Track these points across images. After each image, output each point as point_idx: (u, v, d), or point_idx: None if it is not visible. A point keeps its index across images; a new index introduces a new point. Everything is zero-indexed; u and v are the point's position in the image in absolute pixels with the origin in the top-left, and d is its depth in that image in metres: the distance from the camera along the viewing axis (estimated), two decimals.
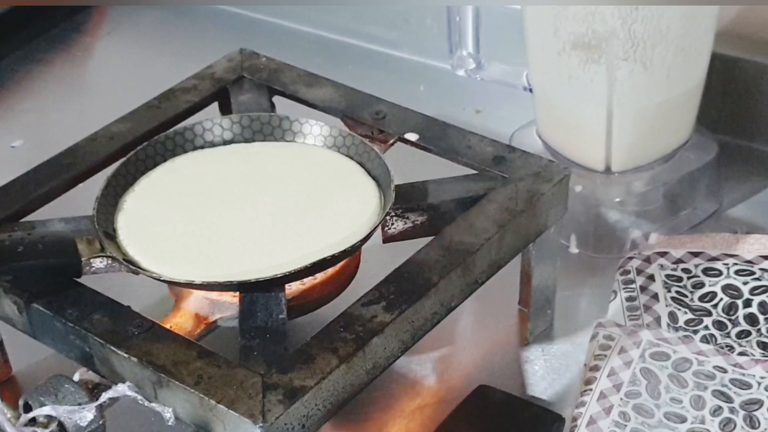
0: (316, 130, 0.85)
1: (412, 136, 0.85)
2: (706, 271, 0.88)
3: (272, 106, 0.92)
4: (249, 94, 0.91)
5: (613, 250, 0.93)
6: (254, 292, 0.73)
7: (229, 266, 0.74)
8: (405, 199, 0.80)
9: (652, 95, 0.89)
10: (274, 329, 0.71)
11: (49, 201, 0.84)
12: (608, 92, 0.88)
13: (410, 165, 0.87)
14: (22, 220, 0.81)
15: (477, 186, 0.81)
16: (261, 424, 0.64)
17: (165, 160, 0.84)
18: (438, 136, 0.85)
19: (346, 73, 1.01)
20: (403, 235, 0.81)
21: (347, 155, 0.84)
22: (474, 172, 0.83)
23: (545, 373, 0.84)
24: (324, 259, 0.73)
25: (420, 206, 0.80)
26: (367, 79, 1.00)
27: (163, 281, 0.74)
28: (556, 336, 0.87)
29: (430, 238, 0.77)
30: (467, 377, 0.83)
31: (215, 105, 0.93)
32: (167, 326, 0.75)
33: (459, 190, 0.81)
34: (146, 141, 0.86)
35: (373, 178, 0.81)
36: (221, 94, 0.92)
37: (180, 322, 0.76)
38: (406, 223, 0.80)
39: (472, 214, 0.77)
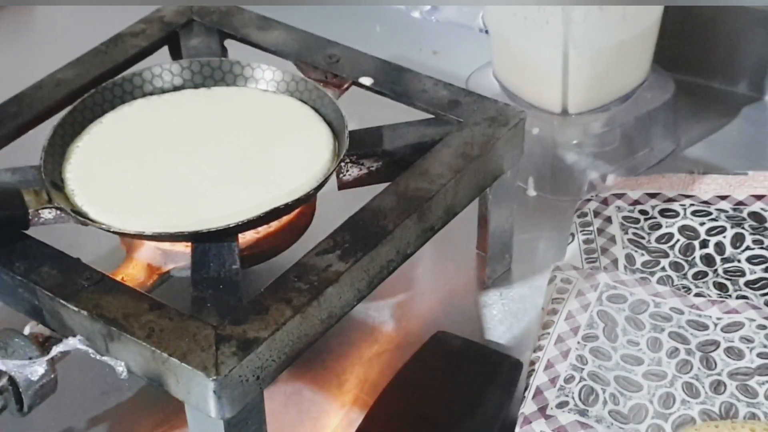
0: (268, 74, 0.83)
1: (366, 81, 0.84)
2: (663, 212, 0.88)
3: (224, 50, 0.90)
4: (199, 38, 0.89)
5: (571, 192, 0.92)
6: (207, 242, 0.72)
7: (181, 216, 0.73)
8: (360, 145, 0.78)
9: (608, 36, 0.88)
10: (228, 280, 0.69)
11: None
12: (564, 33, 0.87)
13: (365, 110, 0.86)
14: None
15: (432, 131, 0.80)
16: (214, 377, 0.63)
17: (113, 108, 0.82)
18: (393, 80, 0.84)
19: (299, 15, 0.99)
20: (358, 182, 0.80)
21: (300, 100, 0.82)
22: (429, 116, 0.82)
23: (503, 317, 0.83)
24: (278, 208, 0.72)
25: (375, 152, 0.79)
26: (321, 22, 0.98)
27: (113, 233, 0.72)
28: (514, 279, 0.86)
29: (386, 185, 0.76)
30: (425, 323, 0.82)
31: (165, 50, 0.91)
32: (119, 278, 0.74)
33: (414, 136, 0.79)
34: (94, 88, 0.84)
35: (328, 123, 0.80)
36: (171, 39, 0.90)
37: (132, 273, 0.75)
38: (361, 170, 0.79)
39: (427, 160, 0.76)
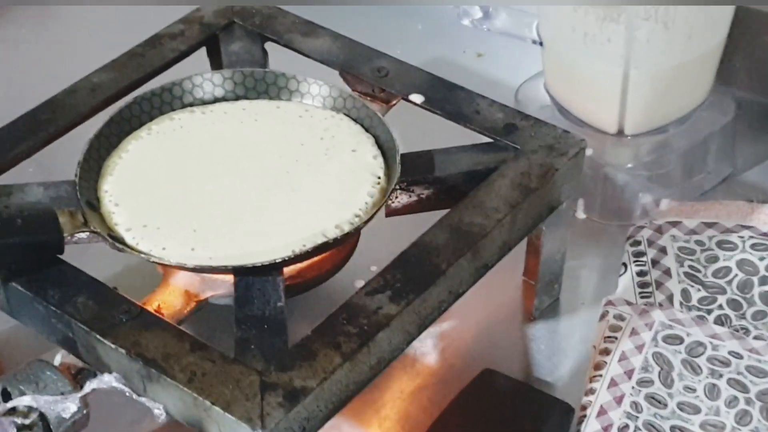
0: (314, 89, 0.79)
1: (417, 98, 0.80)
2: (721, 244, 0.84)
3: (265, 54, 0.86)
4: (241, 42, 0.85)
5: (622, 217, 0.88)
6: (250, 276, 0.68)
7: (224, 245, 0.69)
8: (410, 170, 0.74)
9: (672, 56, 0.83)
10: (273, 319, 0.66)
11: (27, 158, 0.78)
12: (626, 52, 0.83)
13: (411, 124, 0.82)
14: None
15: (487, 158, 0.76)
16: (260, 431, 0.60)
17: (151, 119, 0.78)
18: (444, 99, 0.80)
19: (339, 12, 0.94)
20: (407, 209, 0.76)
21: (348, 116, 0.78)
22: (484, 139, 0.78)
23: (551, 353, 0.80)
24: (326, 242, 0.68)
25: (426, 179, 0.75)
26: (361, 16, 0.93)
27: (153, 262, 0.69)
28: (562, 311, 0.83)
29: (434, 213, 0.73)
30: (470, 356, 0.79)
31: (202, 51, 0.87)
32: (155, 305, 0.71)
33: (468, 162, 0.75)
34: (129, 92, 0.81)
35: (377, 144, 0.76)
36: (210, 41, 0.86)
37: (169, 300, 0.72)
38: (410, 197, 0.75)
39: (482, 192, 0.72)
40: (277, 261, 0.67)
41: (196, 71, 0.84)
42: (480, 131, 0.78)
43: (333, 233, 0.69)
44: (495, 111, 0.79)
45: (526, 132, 0.77)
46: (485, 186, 0.73)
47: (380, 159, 0.75)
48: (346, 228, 0.70)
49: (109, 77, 0.82)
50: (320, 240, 0.69)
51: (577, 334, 0.81)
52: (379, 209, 0.71)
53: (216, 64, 0.86)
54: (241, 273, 0.68)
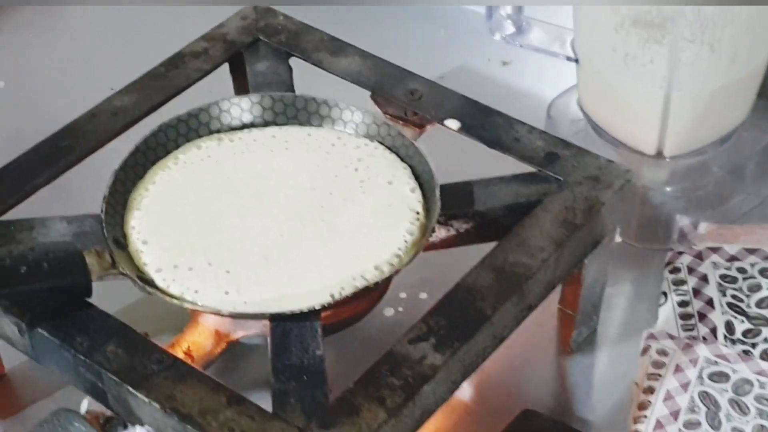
0: (347, 115, 0.76)
1: (452, 124, 0.77)
2: (764, 272, 0.81)
3: (290, 70, 0.83)
4: (266, 61, 0.82)
5: (659, 240, 0.85)
6: (287, 322, 0.65)
7: (259, 288, 0.66)
8: (449, 204, 0.71)
9: (716, 78, 0.80)
10: (312, 369, 0.63)
11: (46, 185, 0.75)
12: (669, 74, 0.79)
13: (442, 147, 0.79)
14: (20, 217, 0.72)
15: (528, 190, 0.73)
16: None
17: (177, 147, 0.75)
18: (481, 125, 0.77)
19: (356, 13, 0.90)
20: (445, 244, 0.73)
21: (382, 145, 0.75)
22: (521, 166, 0.75)
23: (590, 388, 0.77)
24: (368, 287, 0.65)
25: (466, 213, 0.72)
26: (383, 18, 0.89)
27: (186, 307, 0.66)
28: (599, 342, 0.80)
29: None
30: (506, 392, 0.76)
31: (225, 67, 0.84)
32: (184, 346, 0.68)
33: (509, 195, 0.72)
34: (151, 113, 0.77)
35: (414, 174, 0.73)
36: (234, 60, 0.83)
37: (198, 341, 0.69)
38: (449, 231, 0.72)
39: (525, 228, 0.69)
40: (316, 308, 0.64)
41: (217, 89, 0.81)
42: (520, 160, 0.75)
43: (372, 275, 0.66)
44: (535, 138, 0.76)
45: (569, 162, 0.74)
46: (529, 222, 0.70)
47: (418, 192, 0.72)
48: (386, 270, 0.67)
49: (130, 100, 0.79)
50: (360, 283, 0.66)
51: (617, 369, 0.78)
52: (420, 250, 0.68)
53: (240, 83, 0.82)
54: (278, 319, 0.65)
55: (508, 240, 0.69)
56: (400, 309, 0.80)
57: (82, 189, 0.74)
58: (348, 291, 0.65)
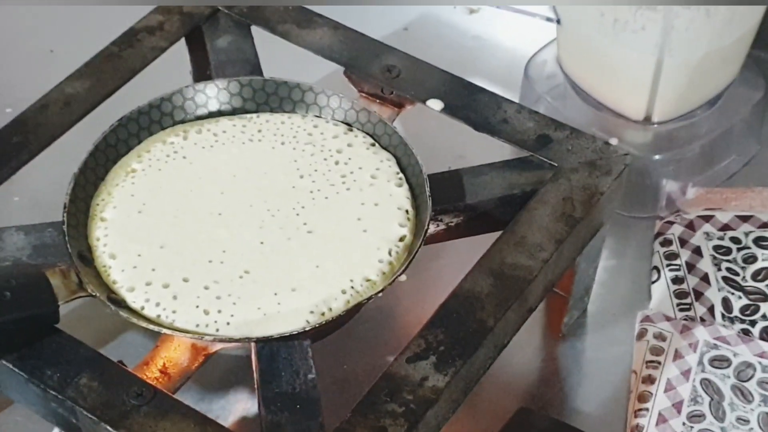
0: (322, 99, 0.70)
1: (435, 104, 0.71)
2: (758, 242, 0.78)
3: (254, 46, 0.76)
4: (228, 36, 0.75)
5: (647, 208, 0.82)
6: (274, 344, 0.60)
7: (241, 305, 0.61)
8: (438, 197, 0.66)
9: (710, 42, 0.76)
10: (304, 396, 0.58)
11: None
12: (661, 40, 0.75)
13: (423, 125, 0.74)
14: None
15: (521, 179, 0.68)
16: None
17: (140, 142, 0.69)
18: (466, 105, 0.71)
19: None
20: (434, 239, 0.68)
21: (363, 132, 0.69)
22: (514, 151, 0.70)
23: (585, 378, 0.73)
24: (360, 303, 0.61)
25: (456, 207, 0.67)
26: None
27: (164, 333, 0.60)
28: (591, 325, 0.76)
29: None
30: (498, 387, 0.72)
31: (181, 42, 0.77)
32: (160, 363, 0.63)
33: (500, 185, 0.68)
34: (107, 98, 0.71)
35: (399, 167, 0.68)
36: (192, 35, 0.76)
37: (174, 356, 0.63)
38: (438, 226, 0.68)
39: (522, 226, 0.65)
40: (306, 330, 0.59)
41: (175, 65, 0.75)
42: (511, 143, 0.70)
43: (364, 287, 0.62)
44: (524, 119, 0.71)
45: (563, 145, 0.69)
46: (525, 217, 0.65)
47: (405, 187, 0.67)
48: (379, 281, 0.62)
49: (83, 86, 0.72)
50: (352, 299, 0.61)
51: (610, 353, 0.74)
52: (413, 255, 0.63)
53: (199, 62, 0.76)
54: (265, 341, 0.60)
55: (505, 239, 0.64)
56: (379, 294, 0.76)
57: (36, 190, 0.68)
58: (339, 307, 0.61)
